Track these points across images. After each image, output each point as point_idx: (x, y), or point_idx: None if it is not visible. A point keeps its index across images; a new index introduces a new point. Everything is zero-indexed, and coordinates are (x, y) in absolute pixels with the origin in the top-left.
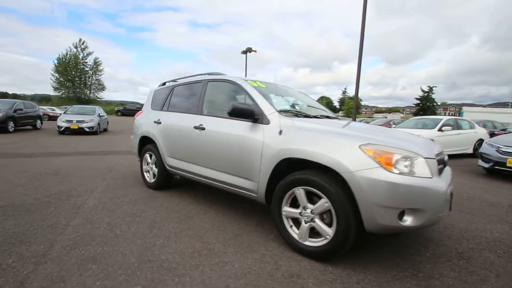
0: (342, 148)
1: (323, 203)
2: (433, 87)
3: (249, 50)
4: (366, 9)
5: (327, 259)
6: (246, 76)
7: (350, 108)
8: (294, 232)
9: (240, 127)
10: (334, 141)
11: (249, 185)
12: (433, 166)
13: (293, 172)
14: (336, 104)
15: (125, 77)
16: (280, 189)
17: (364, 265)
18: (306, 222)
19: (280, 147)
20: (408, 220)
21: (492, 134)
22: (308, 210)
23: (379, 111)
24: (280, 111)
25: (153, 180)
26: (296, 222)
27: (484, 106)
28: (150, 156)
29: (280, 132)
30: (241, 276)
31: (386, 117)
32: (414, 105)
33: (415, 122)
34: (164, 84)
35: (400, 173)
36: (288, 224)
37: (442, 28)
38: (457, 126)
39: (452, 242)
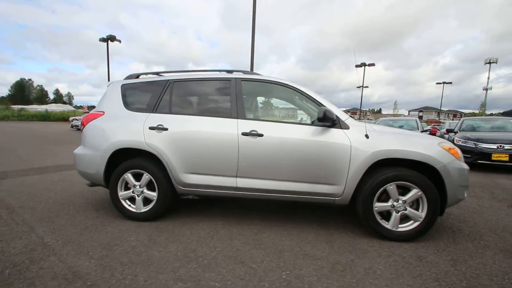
0: (429, 147)
1: (416, 192)
2: None
3: (111, 38)
4: (255, 19)
5: (414, 238)
6: (108, 67)
7: None
8: (384, 223)
9: (309, 132)
10: (420, 142)
11: (330, 190)
12: None
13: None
14: None
15: None
16: (371, 187)
17: (430, 235)
18: (397, 212)
19: (374, 149)
20: (465, 193)
21: None
22: (400, 201)
23: None
24: None
25: (145, 209)
26: (381, 214)
27: None
28: (136, 177)
29: (367, 136)
30: (401, 274)
31: None
32: None
33: None
34: (137, 76)
35: (464, 162)
36: (378, 217)
37: (273, 47)
38: None
39: None
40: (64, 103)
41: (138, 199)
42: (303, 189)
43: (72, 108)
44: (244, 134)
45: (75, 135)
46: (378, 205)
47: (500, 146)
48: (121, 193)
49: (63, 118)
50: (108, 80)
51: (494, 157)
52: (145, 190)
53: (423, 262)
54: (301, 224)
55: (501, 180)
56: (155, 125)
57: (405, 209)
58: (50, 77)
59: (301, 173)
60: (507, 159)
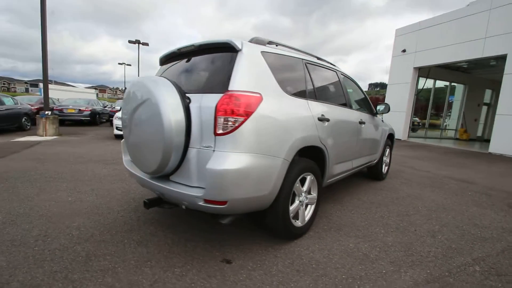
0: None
1: (389, 149)
2: None
3: None
4: None
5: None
6: None
7: None
8: (382, 170)
9: (372, 118)
10: (390, 124)
11: (373, 158)
12: None
13: None
14: None
15: None
16: (383, 150)
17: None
18: (384, 162)
19: (388, 128)
20: None
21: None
22: (386, 155)
23: None
24: None
25: (306, 220)
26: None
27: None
28: (305, 181)
29: (382, 121)
30: (428, 191)
31: None
32: None
33: None
34: (270, 43)
35: None
36: (382, 168)
37: None
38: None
39: None
40: None
41: (302, 209)
42: (366, 161)
43: None
44: (360, 122)
45: None
46: (384, 159)
47: None
48: (291, 208)
49: None
50: None
51: None
52: (308, 196)
53: (413, 187)
54: (345, 189)
55: None
56: (320, 115)
57: (386, 159)
58: None
59: (371, 148)
60: None
